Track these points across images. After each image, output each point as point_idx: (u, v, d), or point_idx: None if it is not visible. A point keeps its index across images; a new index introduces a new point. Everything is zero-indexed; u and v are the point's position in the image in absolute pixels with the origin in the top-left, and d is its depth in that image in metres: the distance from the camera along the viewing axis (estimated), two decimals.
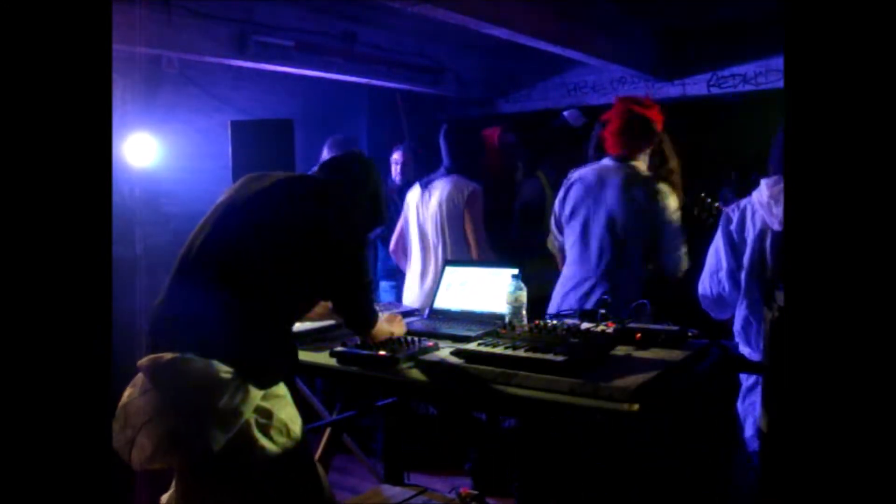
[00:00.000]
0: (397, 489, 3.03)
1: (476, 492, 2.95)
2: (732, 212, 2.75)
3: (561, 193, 3.30)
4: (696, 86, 4.65)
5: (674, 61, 4.66)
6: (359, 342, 2.24)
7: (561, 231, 3.34)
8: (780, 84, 4.28)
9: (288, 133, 3.63)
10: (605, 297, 2.61)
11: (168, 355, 1.81)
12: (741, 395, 2.77)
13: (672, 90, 4.73)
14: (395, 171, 4.50)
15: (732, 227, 2.72)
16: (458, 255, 3.61)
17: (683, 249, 3.11)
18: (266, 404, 1.90)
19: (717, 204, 3.13)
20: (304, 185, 2.11)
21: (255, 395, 1.86)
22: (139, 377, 1.87)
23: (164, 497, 2.02)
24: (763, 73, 4.40)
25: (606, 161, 3.20)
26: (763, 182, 2.65)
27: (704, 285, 2.81)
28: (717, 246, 2.76)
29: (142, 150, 4.03)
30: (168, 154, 4.22)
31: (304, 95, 5.09)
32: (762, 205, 2.62)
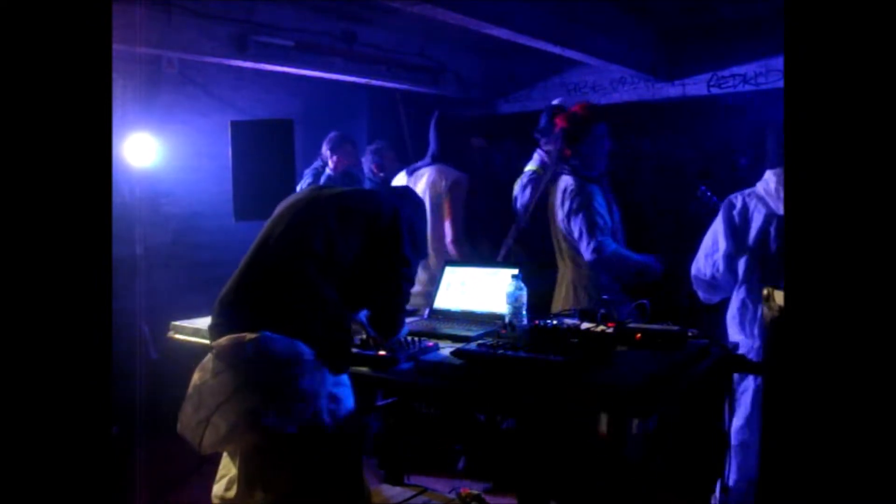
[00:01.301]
0: (397, 489, 3.03)
1: (476, 492, 2.95)
2: (735, 198, 2.81)
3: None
4: (696, 86, 4.65)
5: (674, 61, 4.66)
6: (359, 342, 2.25)
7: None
8: (780, 84, 4.28)
9: (288, 133, 3.63)
10: (605, 296, 2.63)
11: (250, 335, 1.86)
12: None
13: (672, 90, 4.73)
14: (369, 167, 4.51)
15: (735, 211, 2.77)
16: (439, 245, 3.63)
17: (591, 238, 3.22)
18: (335, 391, 1.96)
19: (714, 199, 3.20)
20: (376, 197, 2.21)
21: (329, 379, 1.93)
22: (208, 360, 1.92)
23: (219, 487, 2.04)
24: (763, 74, 4.40)
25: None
26: (769, 172, 2.75)
27: (699, 266, 2.87)
28: (716, 229, 2.82)
29: (142, 150, 4.03)
30: (168, 154, 4.22)
31: (304, 95, 5.09)
32: (769, 193, 2.70)
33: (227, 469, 2.06)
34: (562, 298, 3.34)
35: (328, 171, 4.43)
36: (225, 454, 2.07)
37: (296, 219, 2.09)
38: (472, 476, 3.76)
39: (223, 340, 1.90)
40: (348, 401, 2.00)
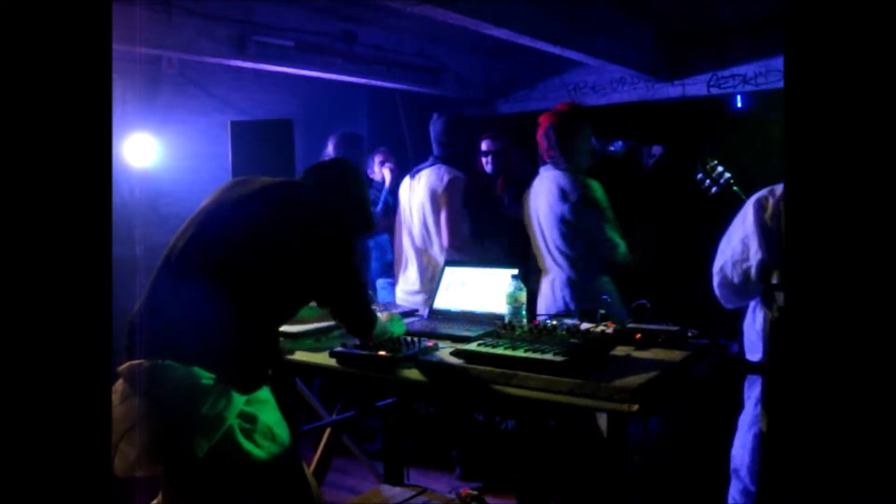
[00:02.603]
0: (397, 489, 3.03)
1: (476, 492, 2.96)
2: (766, 199, 2.54)
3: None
4: (696, 86, 4.65)
5: (674, 61, 4.66)
6: (358, 342, 2.25)
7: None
8: (780, 84, 4.28)
9: (288, 133, 3.63)
10: (605, 297, 2.58)
11: (147, 362, 1.79)
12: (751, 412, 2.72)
13: (672, 90, 4.73)
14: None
15: (768, 216, 2.49)
16: (434, 245, 3.65)
17: (611, 235, 3.19)
18: (250, 409, 1.89)
19: (726, 175, 2.96)
20: (288, 190, 2.10)
21: (239, 400, 1.84)
22: (119, 383, 1.85)
23: (155, 502, 2.02)
24: (763, 74, 4.40)
25: (541, 168, 3.42)
26: None
27: (726, 272, 2.59)
28: (747, 234, 2.53)
29: (142, 151, 4.03)
30: (168, 154, 4.22)
31: (304, 95, 5.09)
32: None
33: None
34: (547, 301, 3.33)
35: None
36: None
37: (201, 229, 1.97)
38: (466, 476, 3.78)
39: (125, 367, 1.82)
40: (267, 416, 1.93)
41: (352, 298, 2.08)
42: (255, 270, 1.91)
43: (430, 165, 3.73)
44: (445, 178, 3.62)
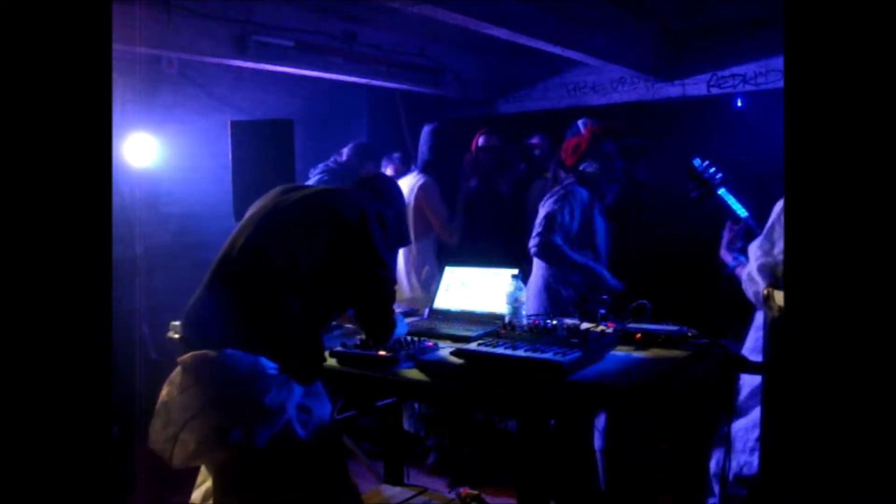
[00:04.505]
0: (397, 489, 3.03)
1: (476, 492, 2.96)
2: None
3: None
4: (696, 86, 4.65)
5: (674, 61, 4.66)
6: (359, 342, 2.25)
7: None
8: (780, 84, 4.28)
9: (288, 133, 3.63)
10: (604, 297, 2.59)
11: (212, 352, 1.84)
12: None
13: (672, 90, 4.73)
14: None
15: None
16: (422, 248, 3.76)
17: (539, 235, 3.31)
18: (306, 401, 1.95)
19: (718, 176, 2.70)
20: (340, 196, 2.16)
21: (298, 391, 1.91)
22: (176, 374, 1.90)
23: (197, 495, 2.05)
24: (763, 73, 4.40)
25: None
26: None
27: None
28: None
29: (142, 150, 4.03)
30: (168, 154, 4.22)
31: (304, 95, 5.08)
32: None
33: (205, 477, 2.06)
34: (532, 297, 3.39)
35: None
36: None
37: (257, 229, 2.05)
38: (438, 471, 3.79)
39: (187, 357, 1.87)
40: (321, 409, 1.99)
41: (382, 304, 2.12)
42: (309, 271, 1.98)
43: (412, 172, 3.83)
44: (415, 187, 3.78)
